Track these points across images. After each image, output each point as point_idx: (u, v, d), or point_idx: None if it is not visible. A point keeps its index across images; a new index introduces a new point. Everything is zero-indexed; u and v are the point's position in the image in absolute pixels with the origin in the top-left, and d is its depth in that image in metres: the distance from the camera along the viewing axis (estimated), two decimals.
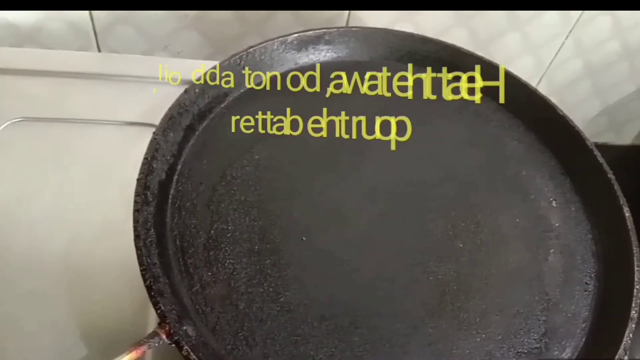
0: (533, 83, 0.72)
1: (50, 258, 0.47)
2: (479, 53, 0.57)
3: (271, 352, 0.40)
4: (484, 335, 0.43)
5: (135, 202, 0.42)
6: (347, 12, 0.68)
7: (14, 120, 0.55)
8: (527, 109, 0.55)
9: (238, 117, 0.50)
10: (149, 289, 0.38)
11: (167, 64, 0.64)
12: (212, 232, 0.44)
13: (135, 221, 0.41)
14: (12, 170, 0.53)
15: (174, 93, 0.52)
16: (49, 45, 0.65)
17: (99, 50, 0.67)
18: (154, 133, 0.45)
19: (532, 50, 0.76)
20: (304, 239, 0.45)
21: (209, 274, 0.42)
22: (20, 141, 0.54)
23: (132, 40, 0.67)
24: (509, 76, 0.55)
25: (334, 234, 0.46)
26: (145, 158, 0.44)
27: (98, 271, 0.47)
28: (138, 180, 0.43)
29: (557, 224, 0.49)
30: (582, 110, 0.83)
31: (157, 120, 0.57)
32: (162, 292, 0.38)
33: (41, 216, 0.50)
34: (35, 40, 0.65)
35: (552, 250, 0.48)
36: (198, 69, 0.55)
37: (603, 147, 0.52)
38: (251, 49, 0.52)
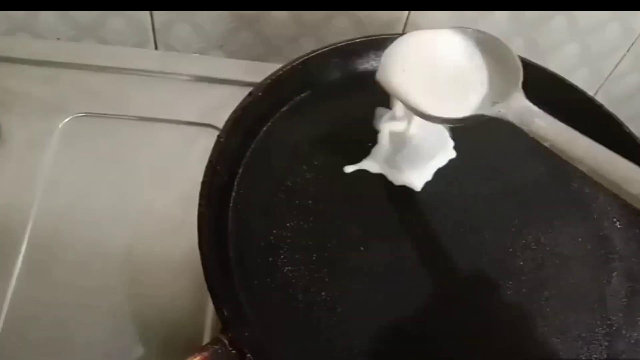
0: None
1: (111, 256, 0.48)
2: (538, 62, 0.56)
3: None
4: None
5: (200, 204, 0.42)
6: (405, 12, 0.67)
7: (76, 115, 0.56)
8: (590, 123, 0.53)
9: (299, 122, 0.50)
10: (212, 294, 0.38)
11: (222, 64, 0.65)
12: (270, 237, 0.44)
13: (200, 224, 0.41)
14: (74, 165, 0.54)
15: (230, 94, 0.53)
16: (107, 41, 0.66)
17: (156, 48, 0.67)
18: (218, 135, 0.45)
19: (591, 62, 0.74)
20: (362, 249, 0.45)
21: (268, 280, 0.42)
22: (83, 136, 0.55)
23: (189, 39, 0.68)
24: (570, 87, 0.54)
25: (391, 246, 0.46)
26: (209, 160, 0.44)
27: (157, 270, 0.48)
28: (202, 183, 0.43)
29: (620, 246, 0.48)
30: (638, 125, 0.81)
31: (213, 120, 0.58)
32: (226, 298, 0.38)
33: (102, 213, 0.51)
34: (94, 34, 0.66)
35: (615, 273, 0.46)
36: (254, 70, 0.55)
37: None
38: (314, 53, 0.52)
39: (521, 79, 0.43)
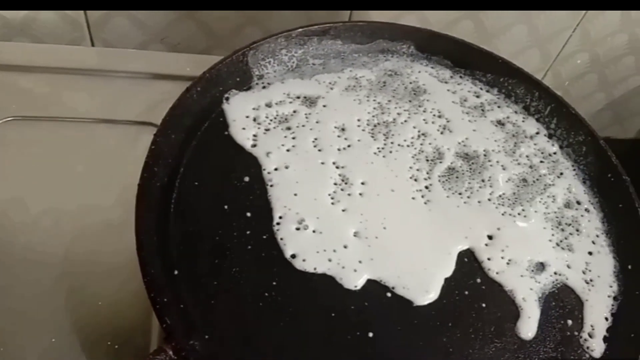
0: (539, 76, 0.71)
1: (48, 262, 0.46)
2: (485, 46, 0.55)
3: None
4: (499, 345, 0.42)
5: (137, 208, 0.40)
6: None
7: (5, 119, 0.53)
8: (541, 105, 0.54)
9: (242, 115, 0.48)
10: (154, 302, 0.36)
11: (164, 58, 0.62)
12: (216, 238, 0.43)
13: (138, 229, 0.39)
14: (7, 171, 0.50)
15: (172, 90, 0.50)
16: (40, 39, 0.63)
17: (93, 44, 0.64)
18: (154, 135, 0.43)
19: (539, 43, 0.74)
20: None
21: (214, 283, 0.41)
22: (14, 141, 0.52)
23: (127, 33, 0.65)
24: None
25: None
26: (146, 161, 0.42)
27: (99, 277, 0.45)
28: (139, 185, 0.41)
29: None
30: (587, 104, 0.82)
31: (155, 119, 0.55)
32: (168, 306, 0.36)
33: (38, 218, 0.48)
34: (26, 33, 0.62)
35: None
36: (199, 63, 0.53)
37: (607, 141, 0.51)
38: (255, 44, 0.50)
39: None
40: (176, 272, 0.40)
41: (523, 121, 0.54)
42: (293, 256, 0.43)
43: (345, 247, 0.44)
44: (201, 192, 0.44)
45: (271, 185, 0.46)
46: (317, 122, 0.50)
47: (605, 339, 0.43)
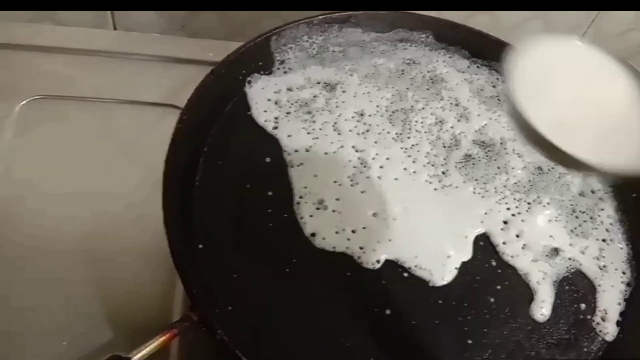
0: None
1: (73, 241, 0.46)
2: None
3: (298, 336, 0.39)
4: (513, 325, 0.42)
5: (164, 184, 0.41)
6: None
7: (32, 98, 0.54)
8: None
9: (263, 98, 0.49)
10: (180, 272, 0.37)
11: (185, 43, 0.63)
12: (239, 215, 0.44)
13: (164, 204, 0.40)
14: (32, 149, 0.51)
15: (193, 74, 0.51)
16: (65, 22, 0.64)
17: (115, 29, 0.65)
18: (181, 113, 0.44)
19: None
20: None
21: (237, 258, 0.42)
22: (39, 119, 0.53)
23: (148, 20, 0.66)
24: None
25: None
26: (172, 139, 0.43)
27: (122, 253, 0.46)
28: (166, 162, 0.42)
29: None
30: None
31: (177, 101, 0.56)
32: (194, 276, 0.37)
33: (61, 196, 0.49)
34: (52, 16, 0.63)
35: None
36: (220, 49, 0.54)
37: None
38: (277, 30, 0.51)
39: None
40: (200, 247, 0.41)
41: None
42: (312, 235, 0.44)
43: (364, 227, 0.45)
44: (224, 171, 0.46)
45: (291, 167, 0.47)
46: (336, 107, 0.51)
47: (618, 323, 0.44)
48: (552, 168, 0.51)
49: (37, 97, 0.54)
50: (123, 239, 0.47)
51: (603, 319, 0.44)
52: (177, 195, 0.42)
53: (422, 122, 0.52)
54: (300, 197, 0.45)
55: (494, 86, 0.56)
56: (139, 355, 0.34)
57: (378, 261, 0.43)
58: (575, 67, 0.34)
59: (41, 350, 0.42)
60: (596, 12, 0.72)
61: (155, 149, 0.42)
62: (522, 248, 0.46)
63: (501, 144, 0.52)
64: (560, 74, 0.34)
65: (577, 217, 0.49)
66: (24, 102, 0.53)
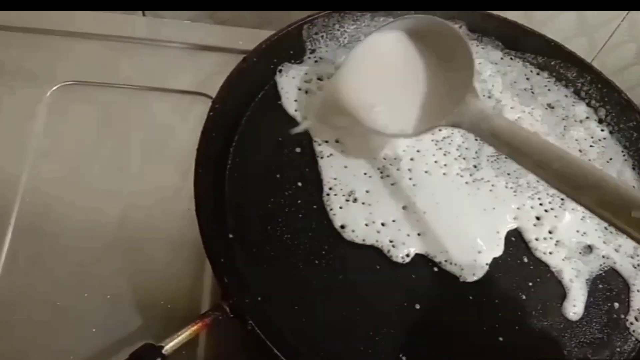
0: None
1: (105, 227, 0.47)
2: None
3: (328, 327, 0.39)
4: (545, 323, 0.42)
5: (196, 172, 0.41)
6: None
7: (63, 83, 0.54)
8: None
9: (294, 88, 0.49)
10: (212, 261, 0.37)
11: (216, 31, 0.63)
12: (268, 206, 0.43)
13: (196, 191, 0.40)
14: (64, 135, 0.52)
15: (223, 62, 0.51)
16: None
17: (144, 15, 0.65)
18: (213, 101, 0.44)
19: (586, 31, 0.73)
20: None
21: (267, 248, 0.42)
22: (72, 105, 0.53)
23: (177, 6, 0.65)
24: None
25: None
26: (204, 127, 0.42)
27: (153, 241, 0.46)
28: (198, 149, 0.41)
29: None
30: (631, 94, 0.81)
31: (207, 89, 0.56)
32: (226, 265, 0.37)
33: (94, 184, 0.49)
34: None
35: None
36: (249, 37, 0.53)
37: None
38: (309, 18, 0.50)
39: (474, 76, 0.40)
40: (231, 236, 0.41)
41: (573, 105, 0.54)
42: (342, 227, 0.43)
43: (393, 220, 0.44)
44: (254, 161, 0.45)
45: (321, 158, 0.46)
46: None
47: None
48: None
49: (68, 82, 0.54)
50: (153, 228, 0.47)
51: (637, 319, 0.43)
52: (209, 184, 0.42)
53: None
54: (330, 189, 0.45)
55: (527, 78, 0.55)
56: (172, 344, 0.34)
57: (408, 255, 0.43)
58: (377, 54, 0.45)
59: (72, 336, 0.43)
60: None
61: (186, 136, 0.43)
62: (555, 245, 0.45)
63: None
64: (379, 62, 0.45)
65: None
66: (55, 87, 0.54)
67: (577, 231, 0.46)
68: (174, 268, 0.45)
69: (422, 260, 0.43)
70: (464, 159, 0.48)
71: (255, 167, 0.45)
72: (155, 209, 0.48)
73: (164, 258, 0.46)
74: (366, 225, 0.44)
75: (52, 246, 0.46)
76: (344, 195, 0.45)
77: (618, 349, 0.42)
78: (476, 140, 0.49)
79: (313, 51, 0.52)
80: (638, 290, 0.44)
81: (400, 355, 0.39)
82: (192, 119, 0.45)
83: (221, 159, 0.44)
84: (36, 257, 0.45)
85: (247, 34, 0.62)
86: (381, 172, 0.47)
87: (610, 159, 0.51)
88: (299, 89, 0.50)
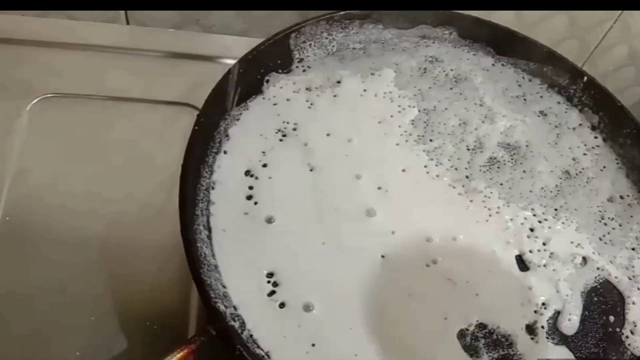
0: None
1: (88, 245, 0.45)
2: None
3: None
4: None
5: (181, 189, 0.39)
6: None
7: (44, 96, 0.53)
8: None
9: (282, 98, 0.48)
10: (198, 283, 0.36)
11: (200, 39, 0.61)
12: (255, 221, 0.42)
13: (181, 210, 0.38)
14: (45, 149, 0.50)
15: (209, 71, 0.49)
16: (76, 17, 0.62)
17: (128, 23, 0.64)
18: (197, 115, 0.43)
19: (578, 34, 0.72)
20: None
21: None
22: (53, 118, 0.52)
23: (162, 13, 0.64)
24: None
25: None
26: (189, 142, 0.41)
27: (138, 259, 0.45)
28: (183, 166, 0.40)
29: None
30: (623, 97, 0.80)
31: (193, 100, 0.55)
32: (212, 287, 0.36)
33: (76, 199, 0.48)
34: (63, 11, 0.62)
35: None
36: (236, 45, 0.52)
37: None
38: (297, 27, 0.49)
39: None
40: (216, 253, 0.40)
41: (566, 112, 0.53)
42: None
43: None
44: (240, 174, 0.44)
45: (310, 170, 0.45)
46: (356, 109, 0.49)
47: None
48: (580, 172, 0.49)
49: (48, 95, 0.53)
50: (138, 245, 0.46)
51: (632, 332, 0.43)
52: (194, 202, 0.40)
53: (445, 124, 0.50)
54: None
55: (519, 85, 0.54)
56: None
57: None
58: None
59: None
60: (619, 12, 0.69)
61: (172, 149, 0.41)
62: (550, 257, 0.44)
63: (527, 146, 0.50)
64: None
65: (605, 224, 0.47)
66: (35, 100, 0.52)
67: (571, 243, 0.45)
68: (160, 287, 0.44)
69: None
70: (455, 169, 0.47)
71: (244, 182, 0.44)
72: (140, 225, 0.47)
73: (149, 277, 0.45)
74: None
75: (32, 266, 0.44)
76: None
77: None
78: (468, 149, 0.48)
79: (301, 60, 0.51)
80: (633, 303, 0.44)
81: None
82: (178, 130, 0.43)
83: (207, 174, 0.43)
84: (16, 278, 0.44)
85: (234, 41, 0.61)
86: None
87: (604, 166, 0.50)
88: (287, 100, 0.48)
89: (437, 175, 0.47)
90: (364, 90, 0.50)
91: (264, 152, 0.45)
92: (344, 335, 0.39)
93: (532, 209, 0.46)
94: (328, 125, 0.48)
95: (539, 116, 0.52)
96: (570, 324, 0.42)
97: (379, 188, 0.45)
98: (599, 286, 0.44)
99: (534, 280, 0.43)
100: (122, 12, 0.63)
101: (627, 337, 0.42)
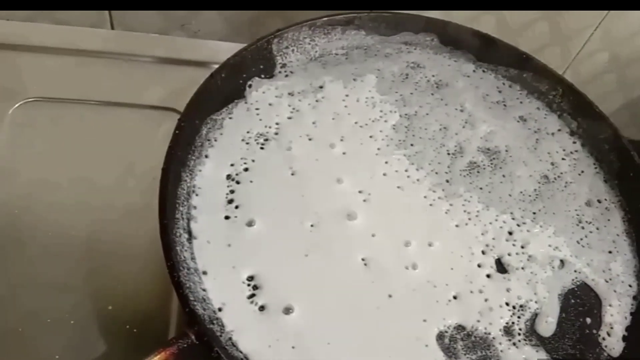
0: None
1: (70, 248, 0.46)
2: (507, 41, 0.55)
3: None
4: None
5: (161, 193, 0.39)
6: None
7: (25, 101, 0.53)
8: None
9: (265, 103, 0.48)
10: (177, 287, 0.36)
11: (185, 44, 0.62)
12: (236, 225, 0.42)
13: (161, 214, 0.39)
14: (28, 153, 0.50)
15: (193, 76, 0.50)
16: (62, 21, 0.62)
17: (113, 28, 0.64)
18: (179, 119, 0.43)
19: (560, 40, 0.73)
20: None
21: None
22: (36, 122, 0.52)
23: (147, 18, 0.64)
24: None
25: None
26: (170, 146, 0.41)
27: (120, 261, 0.45)
28: (163, 170, 0.40)
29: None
30: (605, 103, 0.81)
31: (176, 104, 0.55)
32: (192, 290, 0.36)
33: (58, 201, 0.48)
34: (48, 15, 0.62)
35: None
36: (220, 50, 0.52)
37: None
38: (279, 32, 0.50)
39: None
40: (196, 257, 0.40)
41: (545, 117, 0.54)
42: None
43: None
44: (222, 179, 0.44)
45: (292, 174, 0.46)
46: (339, 114, 0.50)
47: (624, 338, 0.43)
48: (558, 177, 0.50)
49: (30, 99, 0.53)
50: (120, 248, 0.46)
51: (609, 334, 0.43)
52: (175, 205, 0.41)
53: (425, 129, 0.50)
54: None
55: (499, 91, 0.55)
56: None
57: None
58: None
59: None
60: (604, 13, 0.71)
61: (155, 153, 0.41)
62: (528, 260, 0.45)
63: (506, 151, 0.51)
64: None
65: (583, 227, 0.48)
66: (17, 105, 0.52)
67: (549, 246, 0.46)
68: (140, 290, 0.44)
69: None
70: (436, 173, 0.48)
71: (223, 187, 0.44)
72: (122, 229, 0.47)
73: (130, 279, 0.45)
74: None
75: (15, 270, 0.44)
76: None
77: None
78: (448, 154, 0.49)
79: (284, 65, 0.51)
80: (610, 305, 0.44)
81: None
82: (161, 134, 0.44)
83: (188, 178, 0.43)
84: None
85: (219, 46, 0.61)
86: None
87: (582, 171, 0.51)
88: (270, 105, 0.49)
89: (417, 180, 0.47)
90: (346, 96, 0.51)
91: (245, 157, 0.45)
92: (324, 337, 0.39)
93: (511, 213, 0.47)
94: (310, 130, 0.48)
95: (518, 121, 0.53)
96: (548, 325, 0.42)
97: (360, 192, 0.46)
98: (576, 289, 0.45)
99: (512, 282, 0.44)
100: (108, 17, 0.63)
101: (603, 338, 0.43)
